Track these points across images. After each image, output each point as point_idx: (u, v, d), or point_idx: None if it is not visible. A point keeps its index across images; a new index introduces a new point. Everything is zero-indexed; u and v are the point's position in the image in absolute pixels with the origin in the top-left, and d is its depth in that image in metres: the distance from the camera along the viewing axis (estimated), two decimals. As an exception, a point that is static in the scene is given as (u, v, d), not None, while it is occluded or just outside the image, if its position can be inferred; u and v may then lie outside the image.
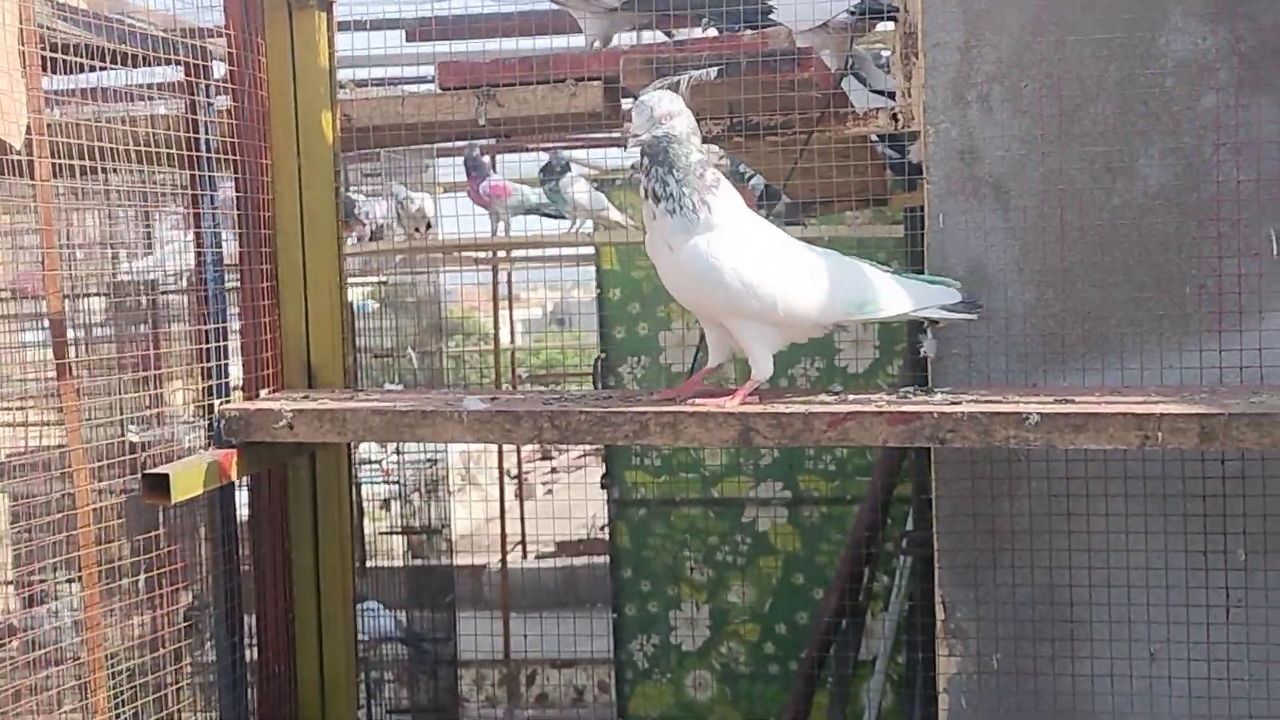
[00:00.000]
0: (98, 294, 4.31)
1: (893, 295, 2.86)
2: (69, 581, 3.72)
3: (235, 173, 3.07)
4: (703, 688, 7.18)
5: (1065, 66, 3.00)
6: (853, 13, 3.36)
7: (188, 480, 2.67)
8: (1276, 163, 2.90)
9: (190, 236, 6.06)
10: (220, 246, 3.05)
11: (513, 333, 12.14)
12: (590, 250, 7.73)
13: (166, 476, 2.60)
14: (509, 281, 10.54)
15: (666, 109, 2.71)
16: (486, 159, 7.07)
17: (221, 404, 2.91)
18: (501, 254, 9.99)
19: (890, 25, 3.47)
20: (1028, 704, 3.01)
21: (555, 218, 7.30)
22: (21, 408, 5.03)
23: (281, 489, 3.24)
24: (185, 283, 5.81)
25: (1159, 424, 2.54)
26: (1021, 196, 3.01)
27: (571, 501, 11.04)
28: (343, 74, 4.79)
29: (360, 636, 6.97)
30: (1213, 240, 2.93)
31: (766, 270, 2.76)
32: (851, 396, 2.88)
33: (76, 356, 2.73)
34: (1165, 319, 2.96)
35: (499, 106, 3.29)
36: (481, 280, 11.18)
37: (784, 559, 7.03)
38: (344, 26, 4.35)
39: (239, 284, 3.18)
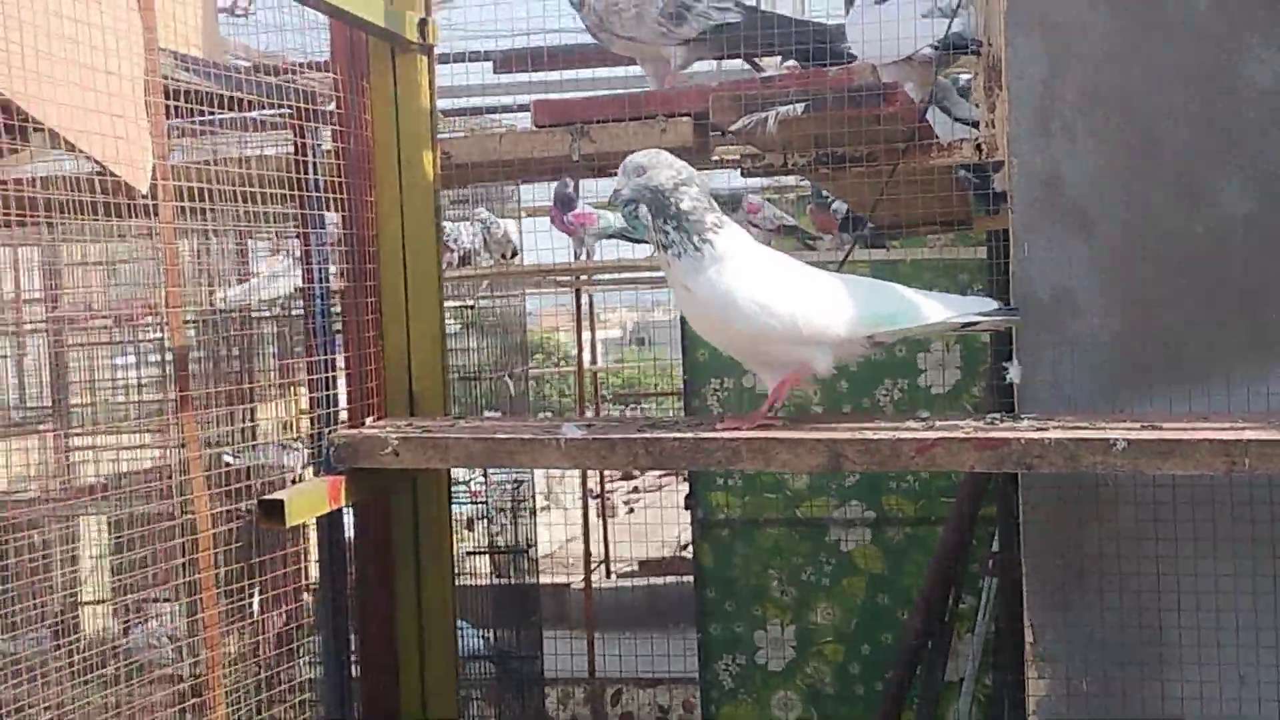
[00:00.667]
0: (196, 321, 4.46)
1: (924, 306, 2.95)
2: (166, 600, 3.85)
3: (341, 209, 3.20)
4: (788, 708, 7.23)
5: (1146, 97, 3.05)
6: (936, 47, 3.43)
7: (301, 506, 2.79)
8: (1359, 190, 2.95)
9: (284, 268, 6.24)
10: (327, 279, 3.18)
11: (595, 354, 12.27)
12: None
13: (282, 503, 2.72)
14: (589, 303, 10.68)
15: (639, 163, 2.85)
16: (572, 192, 7.18)
17: (331, 432, 3.02)
18: (583, 276, 10.15)
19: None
20: (1117, 726, 3.06)
21: (637, 241, 7.40)
22: (118, 431, 5.20)
23: (384, 511, 3.35)
24: (279, 310, 5.99)
25: (1246, 450, 2.59)
26: (1104, 224, 3.07)
27: (648, 524, 11.16)
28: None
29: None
30: (1296, 268, 2.97)
31: (781, 291, 2.86)
32: (939, 423, 2.94)
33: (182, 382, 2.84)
34: (1248, 345, 3.00)
35: (592, 143, 3.40)
36: (562, 302, 11.31)
37: (868, 579, 7.08)
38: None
39: (343, 315, 3.31)
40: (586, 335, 11.02)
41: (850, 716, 7.09)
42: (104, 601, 5.19)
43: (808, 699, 7.20)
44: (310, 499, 2.84)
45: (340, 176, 3.18)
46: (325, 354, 3.14)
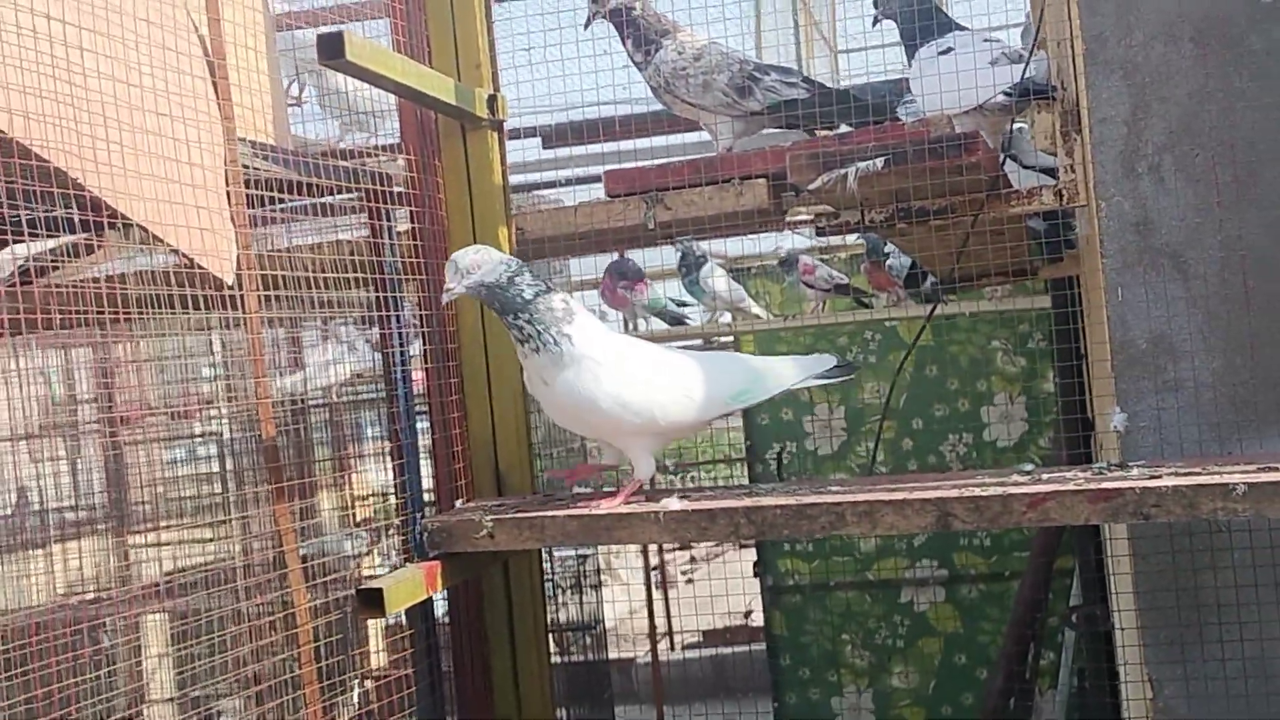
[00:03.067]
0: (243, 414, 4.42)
1: (769, 377, 3.07)
2: (230, 695, 3.79)
3: (420, 290, 3.16)
4: (870, 775, 7.11)
5: (1237, 132, 3.00)
6: (1009, 94, 3.38)
7: (400, 594, 2.74)
8: None
9: (336, 355, 6.22)
10: (408, 362, 3.13)
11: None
12: (729, 339, 7.80)
13: (380, 591, 2.67)
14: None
15: (471, 260, 2.84)
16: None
17: (422, 517, 2.97)
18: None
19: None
20: (1245, 780, 2.96)
21: (675, 323, 7.35)
22: (176, 526, 5.16)
23: (476, 594, 3.30)
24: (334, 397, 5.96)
25: (1371, 487, 2.51)
26: (1200, 264, 3.01)
27: (712, 594, 11.05)
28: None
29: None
30: (1400, 299, 2.90)
31: (638, 388, 2.90)
32: (1045, 475, 2.87)
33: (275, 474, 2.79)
34: (1358, 380, 2.93)
35: (667, 210, 3.37)
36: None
37: (944, 639, 6.97)
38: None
39: (426, 396, 3.26)
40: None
41: (935, 780, 6.98)
42: (170, 700, 5.15)
43: (889, 765, 7.08)
44: (408, 586, 2.78)
45: (416, 257, 3.15)
46: (409, 437, 3.09)
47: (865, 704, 7.11)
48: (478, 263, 2.83)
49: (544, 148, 5.08)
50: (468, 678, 3.27)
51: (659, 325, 7.26)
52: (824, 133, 3.67)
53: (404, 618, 3.23)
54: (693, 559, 14.62)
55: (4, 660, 2.78)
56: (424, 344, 3.24)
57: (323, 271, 2.95)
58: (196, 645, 2.98)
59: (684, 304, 7.34)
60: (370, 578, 2.72)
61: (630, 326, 7.40)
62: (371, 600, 2.68)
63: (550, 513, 2.90)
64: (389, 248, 3.06)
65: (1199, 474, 2.69)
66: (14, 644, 2.78)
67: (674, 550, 15.32)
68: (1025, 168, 3.94)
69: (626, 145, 4.74)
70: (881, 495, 2.80)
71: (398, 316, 3.09)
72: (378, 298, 3.07)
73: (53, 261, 3.16)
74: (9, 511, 4.77)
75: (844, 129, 3.46)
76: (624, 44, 3.60)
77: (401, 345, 3.10)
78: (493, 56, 3.32)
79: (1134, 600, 3.06)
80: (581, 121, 4.54)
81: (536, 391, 2.97)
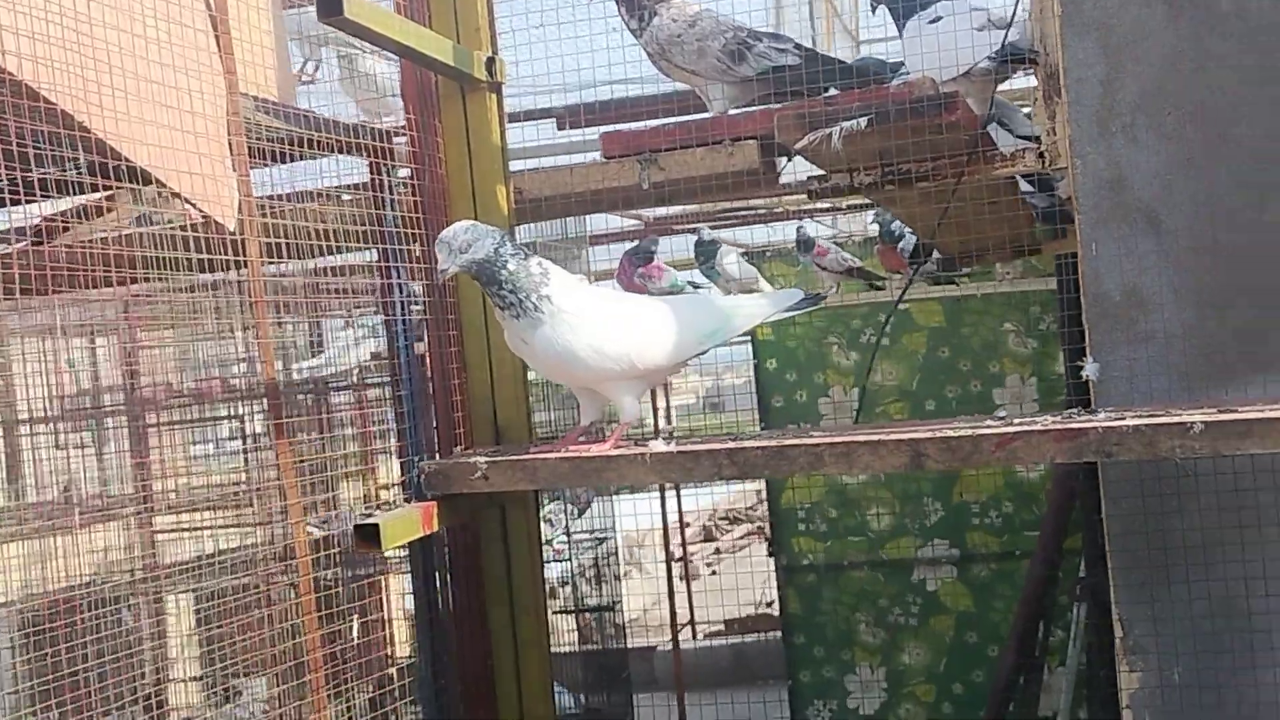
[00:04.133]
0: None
1: (738, 315, 3.22)
2: (253, 674, 3.92)
3: (421, 244, 3.29)
4: (883, 750, 7.20)
5: (1208, 92, 3.09)
6: (993, 59, 3.49)
7: (396, 530, 2.86)
8: None
9: (357, 338, 6.35)
10: (409, 317, 3.26)
11: (669, 415, 12.30)
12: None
13: (377, 526, 2.79)
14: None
15: (463, 240, 2.93)
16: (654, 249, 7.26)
17: (420, 461, 3.09)
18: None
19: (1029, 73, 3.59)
20: (1211, 717, 3.05)
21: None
22: (197, 509, 5.29)
23: (475, 539, 3.42)
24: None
25: (1325, 425, 2.61)
26: (1172, 220, 3.10)
27: (737, 584, 11.15)
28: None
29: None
30: (1366, 252, 2.99)
31: (613, 335, 3.02)
32: (1017, 420, 2.98)
33: (291, 445, 2.93)
34: (1323, 330, 3.02)
35: (661, 170, 3.49)
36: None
37: (956, 618, 7.05)
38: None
39: (427, 350, 3.39)
40: (661, 402, 11.06)
41: (945, 757, 7.06)
42: (194, 679, 5.27)
43: (901, 742, 7.17)
44: (404, 524, 2.91)
45: (418, 213, 3.28)
46: (410, 386, 3.21)
47: (878, 681, 7.20)
48: (469, 241, 2.93)
49: (558, 129, 5.19)
50: (467, 623, 3.39)
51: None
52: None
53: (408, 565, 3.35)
54: (717, 550, 14.74)
55: (33, 639, 2.93)
56: (424, 297, 3.36)
57: (325, 224, 3.07)
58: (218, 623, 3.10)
59: (700, 288, 7.45)
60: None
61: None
62: (369, 535, 2.80)
63: (543, 455, 3.03)
64: (390, 203, 3.19)
65: (1161, 415, 2.79)
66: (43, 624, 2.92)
67: (700, 542, 15.44)
68: (1019, 138, 4.05)
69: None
70: (858, 437, 2.91)
71: (398, 269, 3.22)
72: (381, 249, 3.20)
73: (63, 223, 3.30)
74: (44, 497, 4.92)
75: (832, 93, 3.56)
76: (620, 11, 3.72)
77: (403, 298, 3.23)
78: (491, 20, 3.44)
79: (1108, 544, 3.15)
80: (595, 103, 4.66)
81: (518, 350, 3.09)
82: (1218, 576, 3.05)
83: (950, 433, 2.85)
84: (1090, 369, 3.13)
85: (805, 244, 6.97)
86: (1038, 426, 2.81)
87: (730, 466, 2.93)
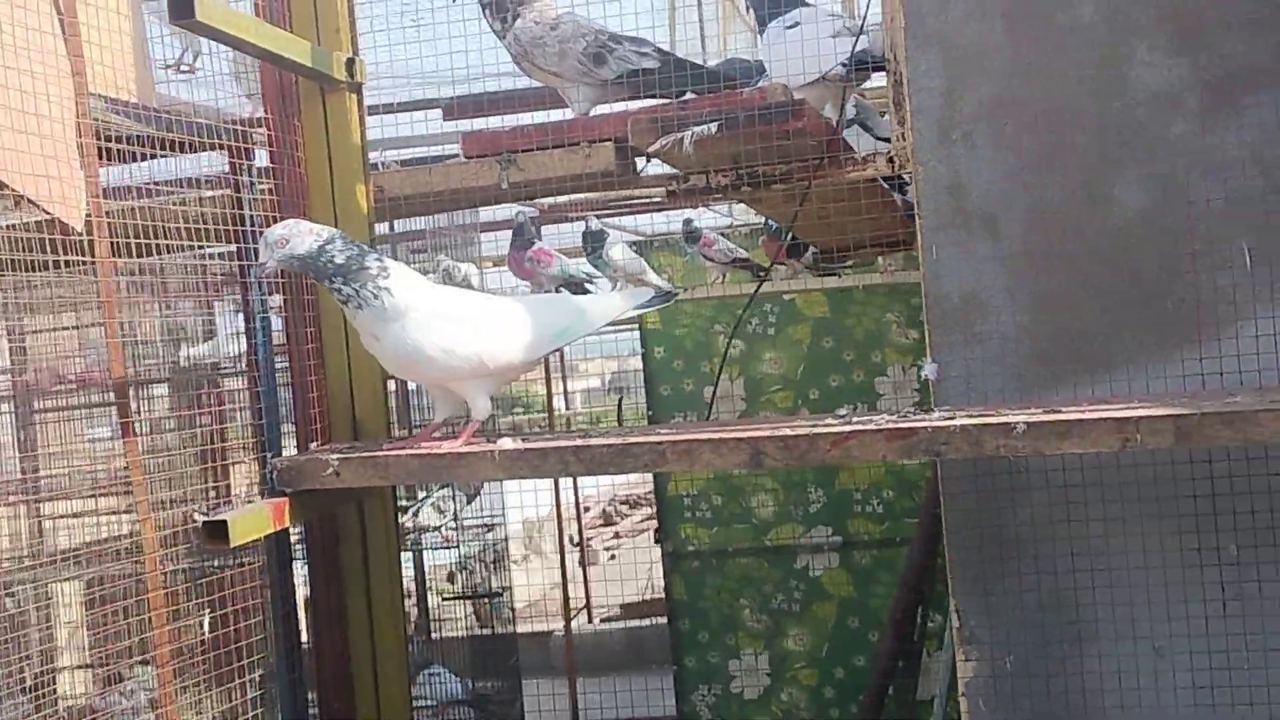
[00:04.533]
0: (161, 379, 4.56)
1: (589, 314, 3.28)
2: (142, 663, 3.94)
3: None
4: (765, 735, 7.32)
5: (1043, 104, 3.21)
6: (846, 65, 3.59)
7: (245, 526, 2.90)
8: (1243, 182, 3.10)
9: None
10: (267, 314, 3.30)
11: (567, 401, 12.36)
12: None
13: (225, 523, 2.84)
14: (560, 352, 10.79)
15: (279, 235, 3.01)
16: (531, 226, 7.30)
17: (273, 457, 3.14)
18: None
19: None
20: (1040, 703, 3.18)
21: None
22: (93, 495, 5.28)
23: (333, 537, 3.47)
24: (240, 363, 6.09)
25: (1138, 427, 2.72)
26: (1009, 226, 3.22)
27: (635, 566, 11.25)
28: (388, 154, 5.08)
29: (428, 702, 7.20)
30: (1189, 257, 3.12)
31: (463, 335, 3.08)
32: (856, 418, 3.08)
33: (141, 438, 2.96)
34: (1149, 334, 3.14)
35: (520, 170, 3.55)
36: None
37: (838, 603, 7.18)
38: (383, 110, 4.68)
39: (285, 345, 3.44)
40: (562, 384, 11.11)
41: (826, 741, 7.19)
42: (83, 667, 5.26)
43: (784, 725, 7.30)
44: (254, 520, 2.95)
45: (276, 212, 3.32)
46: (268, 383, 3.26)
47: (762, 666, 7.31)
48: (285, 237, 3.00)
49: (445, 119, 5.22)
50: (325, 615, 3.45)
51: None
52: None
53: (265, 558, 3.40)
54: (616, 535, 14.84)
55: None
56: (283, 295, 3.41)
57: (183, 224, 3.10)
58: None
59: (591, 276, 7.51)
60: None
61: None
62: (217, 532, 2.84)
63: (394, 452, 3.09)
64: (249, 203, 3.23)
65: (990, 416, 2.90)
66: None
67: (599, 526, 15.53)
68: (879, 140, 4.16)
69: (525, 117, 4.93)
70: (701, 435, 3.00)
71: (257, 266, 3.26)
72: (238, 249, 3.24)
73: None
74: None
75: (689, 96, 3.65)
76: (484, 14, 3.78)
77: (262, 295, 3.27)
78: (352, 21, 3.49)
79: (946, 537, 3.27)
80: (483, 94, 4.71)
81: (371, 348, 3.14)
82: (1048, 570, 3.18)
83: (788, 431, 2.94)
84: (929, 369, 3.24)
85: (692, 235, 7.05)
86: (871, 426, 2.91)
87: (577, 464, 3.00)
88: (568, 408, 14.47)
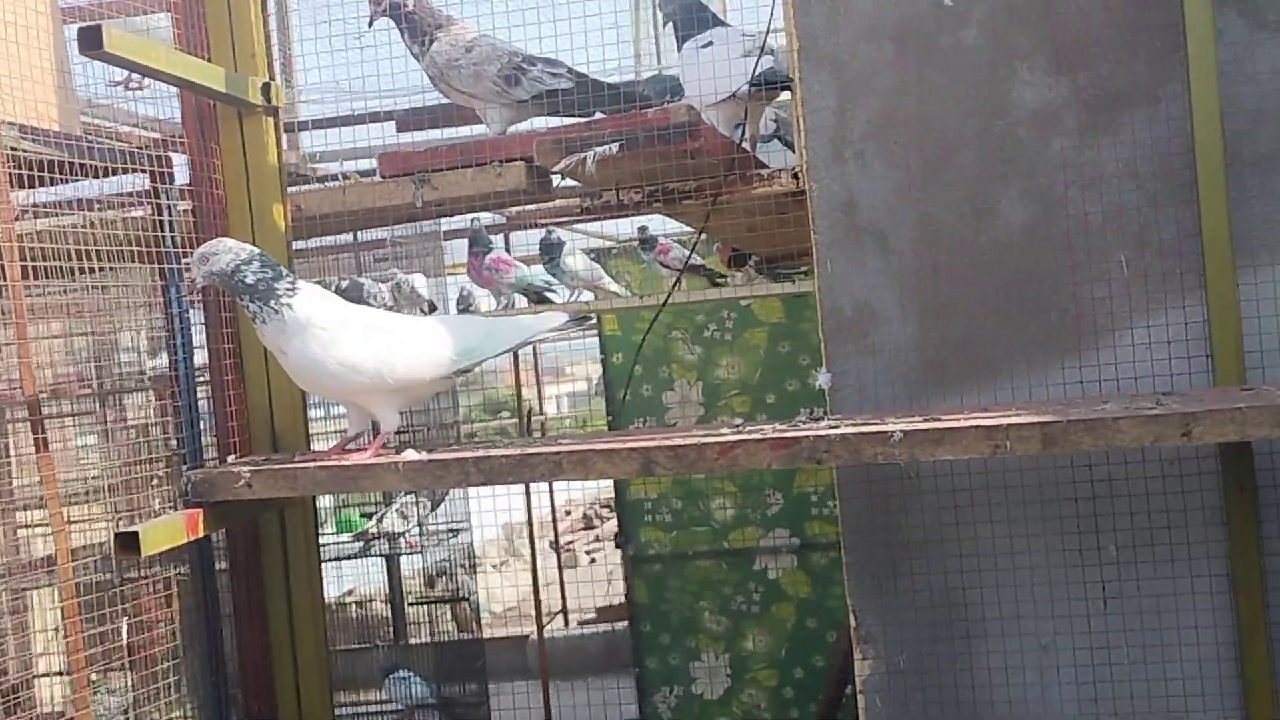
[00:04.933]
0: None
1: (498, 336, 3.39)
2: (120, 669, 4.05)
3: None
4: (726, 735, 7.43)
5: (929, 123, 3.33)
6: (753, 85, 3.71)
7: (155, 536, 3.02)
8: (1119, 196, 3.22)
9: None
10: (188, 330, 3.42)
11: (557, 405, 12.46)
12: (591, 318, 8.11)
13: (136, 534, 2.95)
14: (534, 355, 10.91)
15: (202, 252, 3.21)
16: (489, 235, 7.39)
17: (188, 469, 3.26)
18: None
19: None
20: (933, 699, 3.30)
21: (540, 301, 7.64)
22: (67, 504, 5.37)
23: (255, 544, 3.59)
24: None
25: (1007, 434, 2.84)
26: (899, 240, 3.34)
27: (608, 571, 11.36)
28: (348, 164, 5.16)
29: (394, 706, 7.30)
30: (1070, 269, 3.24)
31: (364, 351, 3.21)
32: (749, 427, 3.19)
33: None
34: (1033, 343, 3.26)
35: (434, 189, 3.67)
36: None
37: (796, 604, 7.30)
38: (327, 124, 4.78)
39: (208, 361, 3.56)
40: (548, 389, 11.22)
41: (786, 740, 7.30)
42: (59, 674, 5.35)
43: (745, 726, 7.40)
44: (167, 530, 3.06)
45: (196, 233, 3.44)
46: (187, 398, 3.38)
47: (721, 667, 7.42)
48: (208, 255, 3.20)
49: (398, 131, 5.32)
50: (245, 623, 3.57)
51: (525, 303, 7.53)
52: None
53: (186, 567, 3.52)
54: (597, 538, 14.96)
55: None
56: (204, 313, 3.53)
57: (98, 245, 3.22)
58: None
59: (549, 285, 7.62)
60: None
61: (501, 305, 7.68)
62: (128, 543, 2.96)
63: (303, 464, 3.20)
64: (169, 224, 3.35)
65: (874, 424, 3.02)
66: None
67: (580, 530, 15.64)
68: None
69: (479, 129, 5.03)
70: (595, 446, 3.12)
71: (177, 286, 3.38)
72: (158, 269, 3.36)
73: None
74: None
75: (598, 115, 3.76)
76: (402, 37, 3.90)
77: (180, 313, 3.40)
78: (269, 45, 3.60)
79: (843, 540, 3.39)
80: (437, 106, 4.82)
81: (281, 360, 3.28)
82: (938, 570, 3.30)
83: (679, 441, 3.06)
84: (823, 379, 3.36)
85: (648, 242, 7.16)
86: (757, 435, 3.03)
87: (477, 474, 3.12)
88: (558, 410, 14.63)
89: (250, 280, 3.17)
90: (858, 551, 3.36)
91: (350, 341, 3.19)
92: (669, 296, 4.21)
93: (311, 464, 3.20)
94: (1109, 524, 3.20)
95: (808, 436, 2.97)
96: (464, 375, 3.38)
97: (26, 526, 5.89)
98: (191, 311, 3.49)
